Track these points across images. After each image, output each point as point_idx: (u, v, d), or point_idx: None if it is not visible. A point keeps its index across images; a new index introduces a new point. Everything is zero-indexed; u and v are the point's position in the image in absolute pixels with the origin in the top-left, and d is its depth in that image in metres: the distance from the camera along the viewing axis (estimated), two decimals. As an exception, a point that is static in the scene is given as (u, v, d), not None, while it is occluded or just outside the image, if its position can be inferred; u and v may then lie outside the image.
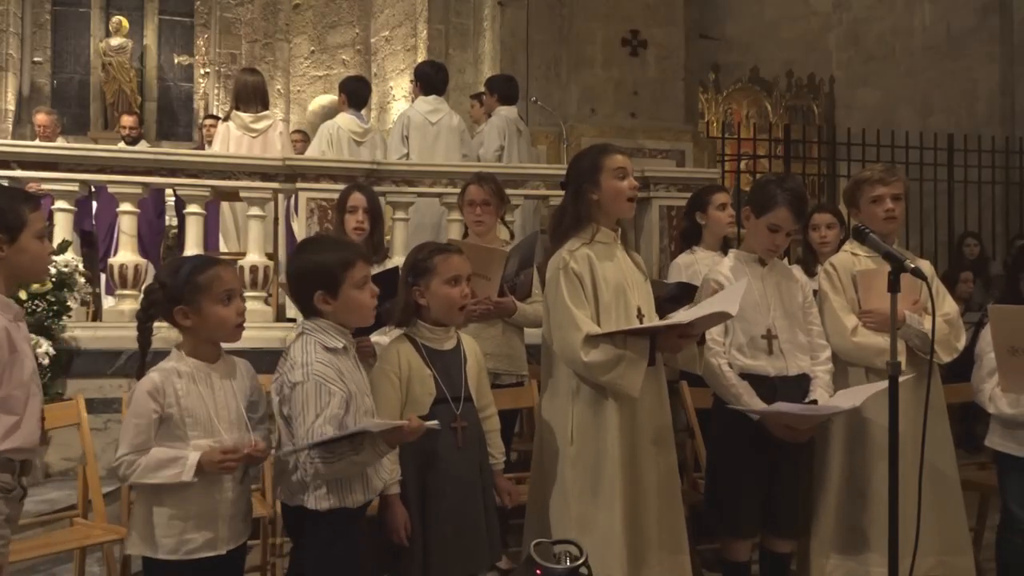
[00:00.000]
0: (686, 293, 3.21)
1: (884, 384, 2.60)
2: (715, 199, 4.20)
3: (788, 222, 3.09)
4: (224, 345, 2.40)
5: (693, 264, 4.06)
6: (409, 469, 2.57)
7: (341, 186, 4.95)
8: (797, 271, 3.34)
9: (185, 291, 2.28)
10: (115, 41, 11.86)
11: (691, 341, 2.88)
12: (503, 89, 6.46)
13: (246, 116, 6.04)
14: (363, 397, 2.43)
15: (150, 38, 12.38)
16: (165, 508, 2.26)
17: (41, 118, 7.58)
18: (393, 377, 2.59)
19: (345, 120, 6.09)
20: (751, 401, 2.99)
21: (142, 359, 2.32)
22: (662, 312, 2.95)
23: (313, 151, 6.14)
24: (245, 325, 2.37)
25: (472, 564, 2.63)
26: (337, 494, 2.34)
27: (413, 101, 6.45)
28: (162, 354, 2.36)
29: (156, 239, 7.41)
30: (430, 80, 6.19)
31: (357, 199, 3.73)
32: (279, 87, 12.09)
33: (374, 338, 3.32)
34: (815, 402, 3.03)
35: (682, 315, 2.81)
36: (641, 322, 2.86)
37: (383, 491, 2.52)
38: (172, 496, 2.25)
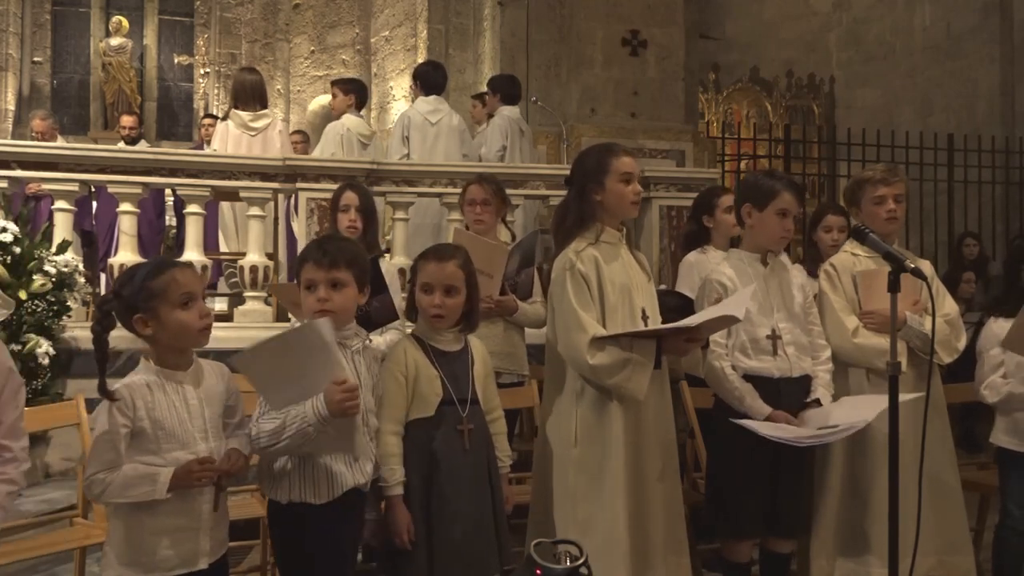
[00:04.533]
0: (688, 304, 3.20)
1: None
2: (722, 202, 4.17)
3: (794, 205, 3.09)
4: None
5: (705, 263, 4.02)
6: (415, 471, 2.55)
7: (341, 186, 4.98)
8: (799, 271, 3.33)
9: (140, 299, 2.17)
10: (115, 41, 11.86)
11: (697, 344, 2.87)
12: (505, 89, 6.47)
13: (245, 115, 6.04)
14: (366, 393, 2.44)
15: (150, 38, 12.38)
16: (144, 525, 2.16)
17: (37, 124, 7.45)
18: (400, 376, 2.58)
19: (354, 123, 6.12)
20: (754, 404, 2.98)
21: (101, 375, 2.14)
22: (665, 321, 2.94)
23: (323, 153, 6.13)
24: (213, 326, 2.27)
25: (480, 568, 2.59)
26: (299, 488, 2.34)
27: (413, 101, 6.46)
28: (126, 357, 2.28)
29: (156, 239, 7.41)
30: (429, 80, 6.20)
31: (349, 198, 3.73)
32: (279, 87, 12.09)
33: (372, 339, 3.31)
34: (817, 401, 3.03)
35: (689, 318, 2.81)
36: (646, 324, 2.85)
37: (386, 493, 2.51)
38: (149, 512, 2.16)
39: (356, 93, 6.29)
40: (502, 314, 3.69)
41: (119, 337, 2.24)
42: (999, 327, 3.27)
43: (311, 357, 2.22)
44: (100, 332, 2.17)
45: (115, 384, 2.18)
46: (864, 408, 2.89)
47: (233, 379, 2.40)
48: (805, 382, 3.08)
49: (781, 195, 3.06)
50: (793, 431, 2.87)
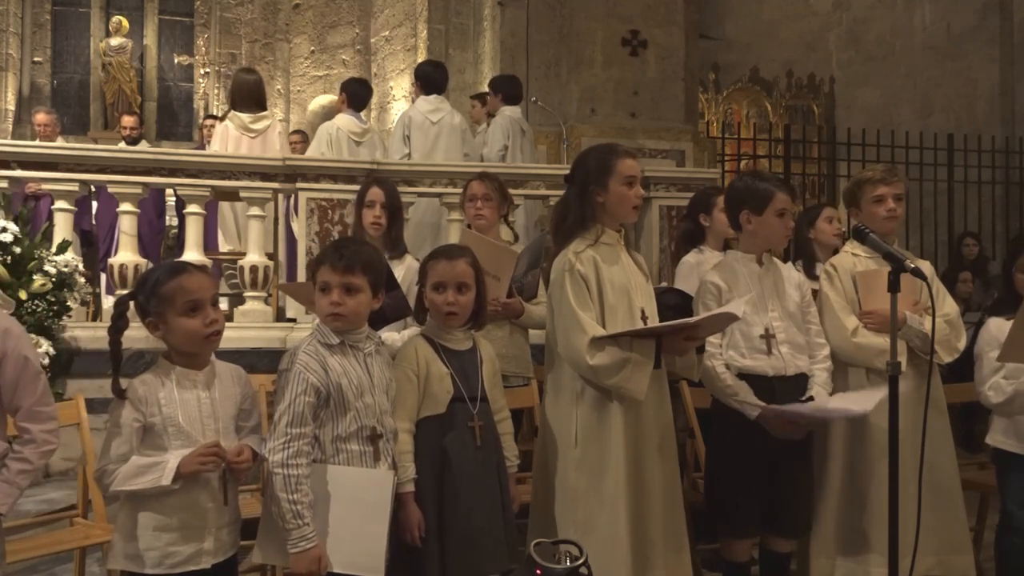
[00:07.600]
0: (687, 301, 3.20)
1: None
2: (719, 201, 4.17)
3: (789, 203, 3.12)
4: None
5: (703, 263, 4.03)
6: (426, 468, 2.55)
7: (341, 186, 4.98)
8: (793, 269, 3.34)
9: (151, 304, 2.22)
10: (115, 41, 11.86)
11: (697, 343, 2.87)
12: (507, 89, 6.47)
13: (245, 116, 6.03)
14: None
15: (150, 38, 12.39)
16: (148, 519, 2.19)
17: (41, 117, 7.57)
18: (411, 375, 2.58)
19: (344, 121, 6.10)
20: (747, 400, 2.98)
21: (115, 373, 2.21)
22: (663, 319, 2.94)
23: (313, 152, 6.15)
24: (224, 329, 2.29)
25: (490, 565, 2.60)
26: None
27: (414, 101, 6.46)
28: (135, 355, 2.32)
29: (156, 239, 7.41)
30: (431, 79, 6.20)
31: (375, 194, 3.70)
32: (279, 87, 12.09)
33: (385, 334, 3.30)
34: (812, 400, 3.03)
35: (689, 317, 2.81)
36: (645, 324, 2.85)
37: (398, 490, 2.49)
38: (155, 506, 2.19)
39: (347, 92, 6.28)
40: (508, 316, 3.68)
41: (139, 338, 2.28)
42: (997, 327, 3.27)
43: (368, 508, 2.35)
44: (114, 332, 2.24)
45: (131, 382, 2.23)
46: (863, 400, 2.89)
47: (250, 383, 2.41)
48: (800, 381, 3.08)
49: (776, 196, 3.08)
50: (793, 407, 2.89)
